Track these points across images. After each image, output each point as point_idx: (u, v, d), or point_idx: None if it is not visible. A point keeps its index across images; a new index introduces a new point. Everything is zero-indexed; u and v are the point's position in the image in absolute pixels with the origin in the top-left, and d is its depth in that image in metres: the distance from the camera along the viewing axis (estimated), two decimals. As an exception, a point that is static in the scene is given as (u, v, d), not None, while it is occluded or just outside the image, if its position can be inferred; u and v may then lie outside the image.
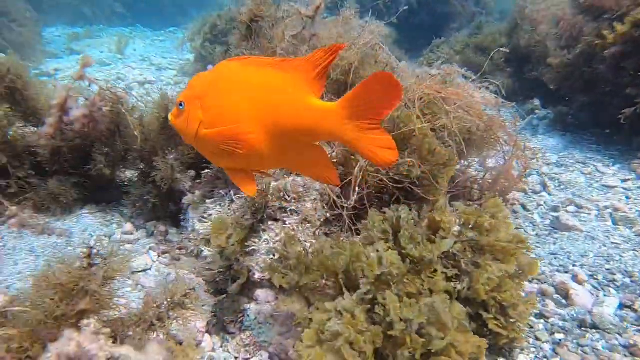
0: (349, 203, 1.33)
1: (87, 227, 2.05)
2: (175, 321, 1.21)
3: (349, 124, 0.92)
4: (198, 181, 2.04)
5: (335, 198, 1.46)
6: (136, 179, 2.16)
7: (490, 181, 1.86)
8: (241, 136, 0.96)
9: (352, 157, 1.45)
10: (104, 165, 2.07)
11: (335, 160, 1.55)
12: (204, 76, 1.03)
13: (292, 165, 1.12)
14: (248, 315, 1.47)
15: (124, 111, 1.97)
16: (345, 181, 1.43)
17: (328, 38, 1.84)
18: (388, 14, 6.33)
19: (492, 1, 5.62)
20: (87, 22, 8.46)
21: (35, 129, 2.17)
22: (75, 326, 1.00)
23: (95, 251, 1.05)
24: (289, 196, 1.57)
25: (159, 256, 1.91)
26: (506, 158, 1.82)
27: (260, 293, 1.50)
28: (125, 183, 2.27)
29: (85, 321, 0.93)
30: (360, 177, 1.38)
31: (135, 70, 5.07)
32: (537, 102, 3.49)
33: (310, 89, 0.94)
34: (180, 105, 1.01)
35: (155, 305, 1.19)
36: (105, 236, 2.01)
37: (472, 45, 3.92)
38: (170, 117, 1.05)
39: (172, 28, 8.79)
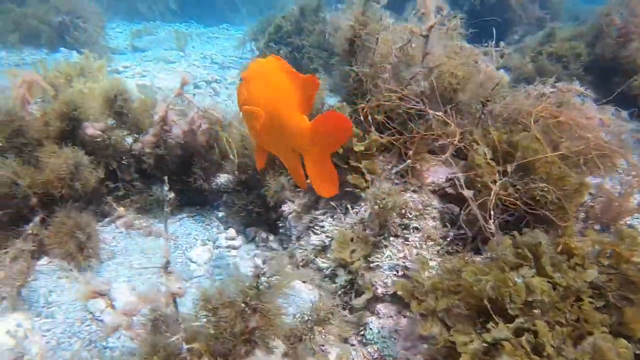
0: (490, 227, 1.33)
1: (190, 230, 2.13)
2: (320, 335, 1.24)
3: (312, 147, 1.26)
4: (298, 189, 2.08)
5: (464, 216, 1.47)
6: (236, 188, 2.21)
7: (599, 206, 1.82)
8: (254, 115, 1.28)
9: (486, 179, 1.45)
10: (203, 180, 2.14)
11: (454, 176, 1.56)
12: (255, 64, 1.35)
13: (279, 156, 1.45)
14: (370, 329, 1.50)
15: (220, 132, 2.03)
16: (478, 202, 1.43)
17: (442, 55, 1.82)
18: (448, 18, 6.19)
19: (559, 2, 5.44)
20: (142, 18, 8.67)
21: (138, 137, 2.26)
22: (248, 343, 1.05)
23: (262, 270, 1.09)
24: (410, 213, 1.59)
25: (264, 263, 1.96)
26: (622, 182, 1.78)
27: (382, 307, 1.52)
28: (221, 189, 2.33)
29: (274, 342, 0.97)
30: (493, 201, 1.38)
31: (200, 69, 5.18)
32: (624, 114, 3.37)
33: (302, 104, 1.24)
34: (240, 80, 1.35)
35: (303, 320, 1.23)
36: (209, 240, 2.07)
37: (546, 53, 3.83)
38: (237, 86, 1.37)
39: (224, 24, 8.91)
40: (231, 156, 2.02)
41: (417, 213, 1.58)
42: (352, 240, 1.61)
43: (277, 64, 1.28)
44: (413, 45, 1.90)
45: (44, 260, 1.88)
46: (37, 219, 1.91)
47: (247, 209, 2.09)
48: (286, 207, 2.04)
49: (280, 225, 2.10)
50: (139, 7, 8.70)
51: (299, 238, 1.94)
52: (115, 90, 2.11)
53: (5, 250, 1.81)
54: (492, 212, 1.35)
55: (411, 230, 1.57)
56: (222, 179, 2.31)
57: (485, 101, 1.84)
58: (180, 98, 2.17)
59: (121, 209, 2.17)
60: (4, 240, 1.88)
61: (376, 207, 1.52)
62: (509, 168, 1.40)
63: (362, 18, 1.95)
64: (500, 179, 1.42)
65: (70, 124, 2.07)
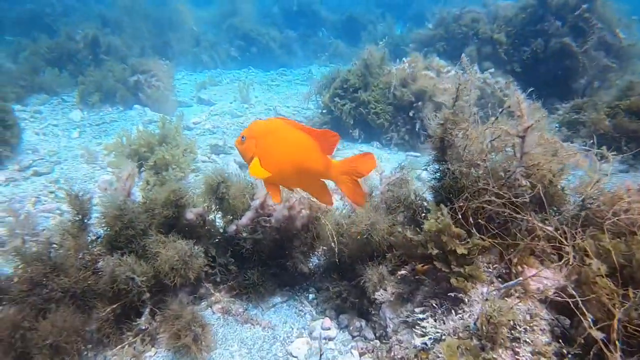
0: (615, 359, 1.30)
1: (286, 318, 2.19)
2: None
3: (342, 175, 1.59)
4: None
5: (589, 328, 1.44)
6: (328, 271, 2.26)
7: None
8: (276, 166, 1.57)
9: (604, 300, 1.42)
10: (302, 262, 2.21)
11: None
12: (260, 124, 1.62)
13: (304, 189, 1.78)
14: None
15: (323, 221, 2.10)
16: (597, 326, 1.40)
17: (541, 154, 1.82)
18: (509, 62, 6.16)
19: (627, 51, 5.24)
20: (204, 67, 9.13)
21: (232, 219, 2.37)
22: None
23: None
24: (519, 325, 1.57)
25: (360, 355, 1.98)
26: None
27: None
28: (312, 271, 2.39)
29: None
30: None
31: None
32: None
33: (324, 149, 1.56)
34: (243, 138, 1.58)
35: None
36: (304, 329, 2.13)
37: (624, 107, 3.71)
38: (235, 143, 1.62)
39: (281, 68, 9.23)
40: (332, 243, 2.07)
41: (526, 326, 1.56)
42: (457, 347, 1.61)
43: (283, 122, 1.59)
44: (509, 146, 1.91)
45: (151, 352, 2.00)
46: (146, 311, 2.04)
47: (341, 297, 2.14)
48: (379, 295, 2.07)
49: (373, 312, 2.13)
50: (202, 58, 9.17)
51: (395, 332, 1.95)
52: (219, 178, 2.23)
53: (121, 346, 1.95)
54: (617, 343, 1.32)
55: (521, 344, 1.55)
56: (314, 261, 2.38)
57: (586, 199, 1.81)
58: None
59: (218, 294, 2.28)
60: (117, 333, 2.02)
61: (487, 322, 1.51)
62: (631, 292, 1.37)
63: (452, 117, 1.98)
64: (621, 301, 1.39)
65: (176, 211, 2.20)
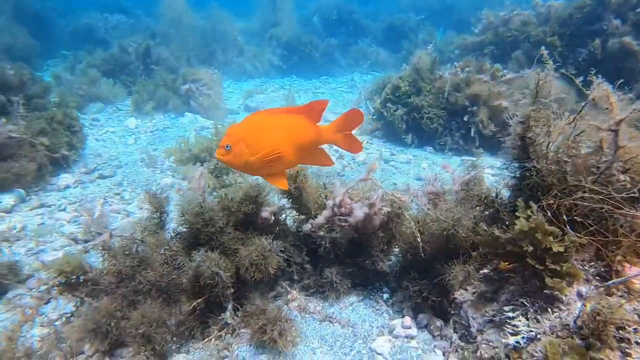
0: None
1: (364, 317, 2.18)
2: None
3: (336, 134, 1.81)
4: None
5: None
6: (405, 270, 2.24)
7: None
8: (275, 152, 1.66)
9: None
10: (381, 261, 2.20)
11: None
12: (241, 125, 1.69)
13: (307, 162, 1.92)
14: None
15: (407, 217, 2.08)
16: None
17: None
18: (563, 64, 6.00)
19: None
20: (248, 76, 9.31)
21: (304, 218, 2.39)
22: None
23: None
24: (628, 325, 1.51)
25: (443, 354, 1.95)
26: None
27: None
28: (387, 270, 2.38)
29: None
30: None
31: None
32: None
33: (312, 120, 1.73)
34: (227, 147, 1.63)
35: None
36: (384, 327, 2.11)
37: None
38: (218, 156, 1.68)
39: (323, 77, 9.30)
40: (414, 240, 2.05)
41: (636, 326, 1.50)
42: (559, 346, 1.56)
43: (261, 114, 1.72)
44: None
45: (235, 346, 2.02)
46: (230, 305, 2.07)
47: (422, 295, 2.11)
48: (459, 295, 2.03)
49: (452, 312, 2.10)
50: (245, 67, 9.35)
51: (480, 331, 1.91)
52: (296, 173, 2.25)
53: (207, 339, 1.98)
54: None
55: (632, 344, 1.49)
56: (391, 260, 2.37)
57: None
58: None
59: (294, 292, 2.29)
60: (200, 327, 2.06)
61: (593, 319, 1.46)
62: None
63: (533, 114, 1.94)
64: None
65: (254, 207, 2.23)
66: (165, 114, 6.52)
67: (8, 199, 3.57)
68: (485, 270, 2.05)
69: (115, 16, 12.17)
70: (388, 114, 4.91)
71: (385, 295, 2.33)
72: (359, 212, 2.17)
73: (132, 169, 4.54)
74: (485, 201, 2.15)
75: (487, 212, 2.14)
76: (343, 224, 2.26)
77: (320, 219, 2.31)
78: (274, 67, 9.63)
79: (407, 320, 2.11)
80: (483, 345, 1.88)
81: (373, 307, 2.26)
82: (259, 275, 2.05)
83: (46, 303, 2.00)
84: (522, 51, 6.03)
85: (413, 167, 4.39)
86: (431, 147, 4.72)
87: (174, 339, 2.03)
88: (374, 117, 5.17)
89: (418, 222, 2.12)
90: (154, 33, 9.52)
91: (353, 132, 1.93)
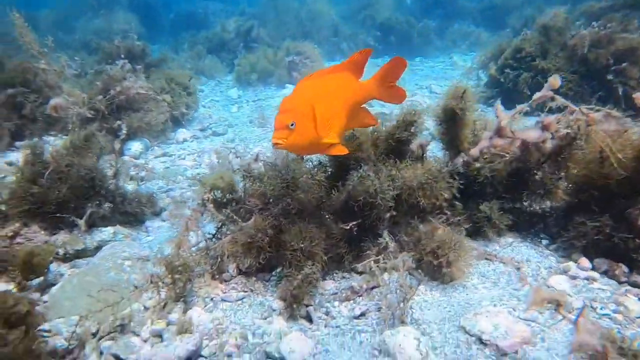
0: None
1: (528, 257, 1.95)
2: None
3: (380, 87, 1.67)
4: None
5: None
6: (572, 213, 1.98)
7: None
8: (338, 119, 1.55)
9: None
10: (549, 195, 1.97)
11: None
12: (296, 98, 1.48)
13: (353, 125, 1.75)
14: None
15: (598, 133, 1.80)
16: None
17: None
18: None
19: None
20: (343, 56, 9.23)
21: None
22: None
23: None
24: None
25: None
26: None
27: None
28: (545, 212, 2.13)
29: None
30: None
31: (425, 98, 5.18)
32: None
33: (356, 77, 1.61)
34: (292, 125, 1.39)
35: None
36: (551, 268, 1.87)
37: None
38: (277, 140, 1.40)
39: (418, 58, 8.99)
40: (615, 156, 1.74)
41: None
42: None
43: (309, 82, 1.53)
44: None
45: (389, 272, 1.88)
46: (386, 231, 1.93)
47: (597, 237, 1.84)
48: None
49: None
50: (341, 46, 9.29)
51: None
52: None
53: (366, 262, 1.85)
54: None
55: None
56: (548, 200, 2.11)
57: None
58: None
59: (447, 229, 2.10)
60: (356, 250, 1.94)
61: None
62: None
63: None
64: None
65: (407, 135, 2.08)
66: (266, 86, 6.60)
67: (138, 147, 3.73)
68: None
69: (214, 4, 12.69)
70: (506, 80, 4.57)
71: (545, 242, 2.08)
72: (528, 137, 1.94)
73: (242, 128, 4.59)
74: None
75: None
76: (503, 153, 2.04)
77: (475, 150, 2.11)
78: (369, 47, 9.48)
79: (584, 261, 1.85)
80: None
81: (535, 249, 2.02)
82: (426, 201, 1.89)
83: (201, 215, 1.98)
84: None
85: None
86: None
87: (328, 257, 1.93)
88: (485, 85, 4.85)
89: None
90: (251, 16, 9.74)
91: None
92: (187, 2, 12.79)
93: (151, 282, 1.74)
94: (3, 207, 2.26)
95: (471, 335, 1.50)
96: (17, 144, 3.74)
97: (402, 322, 1.56)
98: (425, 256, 1.80)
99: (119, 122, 3.68)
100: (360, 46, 9.36)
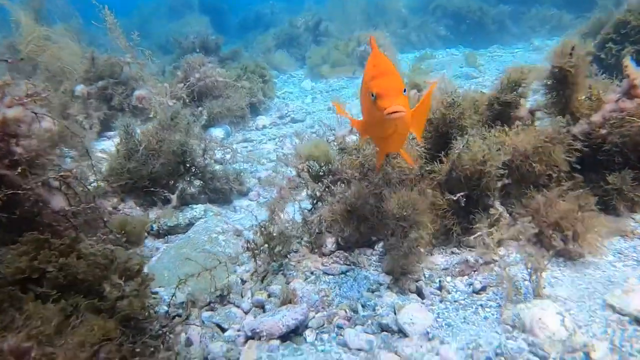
0: None
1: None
2: None
3: None
4: None
5: None
6: None
7: None
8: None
9: None
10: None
11: None
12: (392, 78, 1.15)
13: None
14: None
15: None
16: None
17: None
18: None
19: None
20: (413, 47, 8.96)
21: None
22: None
23: None
24: None
25: None
26: None
27: None
28: None
29: None
30: None
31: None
32: None
33: None
34: (404, 92, 1.10)
35: None
36: None
37: None
38: (401, 109, 1.06)
39: (494, 45, 8.53)
40: None
41: None
42: None
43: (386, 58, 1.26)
44: None
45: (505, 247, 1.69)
46: (498, 202, 1.74)
47: None
48: None
49: None
50: (410, 38, 9.03)
51: None
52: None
53: (477, 235, 1.67)
54: None
55: None
56: None
57: None
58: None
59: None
60: (460, 227, 1.76)
61: None
62: None
63: None
64: None
65: (515, 97, 1.89)
66: (338, 76, 6.51)
67: (219, 133, 3.75)
68: None
69: (280, 3, 12.84)
70: (608, 56, 4.14)
71: None
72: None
73: (320, 115, 4.52)
74: None
75: None
76: (636, 118, 1.78)
77: (598, 116, 1.86)
78: (439, 37, 9.14)
79: None
80: None
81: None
82: (542, 168, 1.68)
83: (296, 187, 1.89)
84: None
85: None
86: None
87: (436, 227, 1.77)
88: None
89: None
90: (318, 12, 9.72)
91: None
92: (253, 2, 13.04)
93: (247, 248, 1.66)
94: (102, 184, 2.30)
95: (623, 315, 1.28)
96: (108, 134, 3.89)
97: (538, 296, 1.36)
98: (546, 229, 1.58)
99: (200, 108, 3.71)
100: (429, 36, 9.07)
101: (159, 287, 1.71)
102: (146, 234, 2.13)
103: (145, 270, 1.84)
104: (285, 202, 1.80)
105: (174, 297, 1.41)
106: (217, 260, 1.53)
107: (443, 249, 1.78)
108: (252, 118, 4.35)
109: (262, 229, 1.67)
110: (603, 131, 1.84)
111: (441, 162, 1.81)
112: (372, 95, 1.10)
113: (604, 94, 1.92)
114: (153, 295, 1.37)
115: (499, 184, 1.71)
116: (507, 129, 1.82)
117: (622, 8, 4.36)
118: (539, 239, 1.66)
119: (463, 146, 1.72)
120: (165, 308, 1.48)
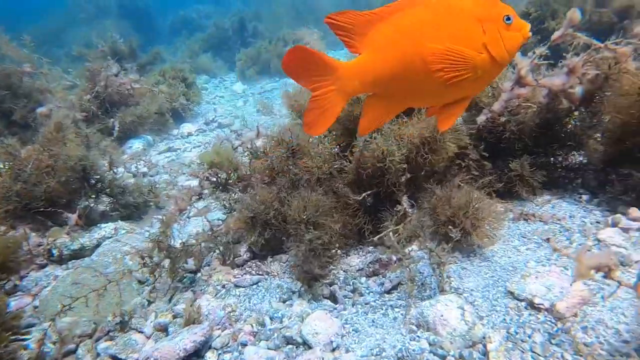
0: None
1: (571, 213, 1.73)
2: None
3: None
4: None
5: None
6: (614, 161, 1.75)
7: None
8: None
9: None
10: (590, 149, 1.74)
11: None
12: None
13: None
14: None
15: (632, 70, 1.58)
16: None
17: None
18: None
19: None
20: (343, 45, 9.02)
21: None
22: None
23: None
24: None
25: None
26: None
27: None
28: (580, 166, 1.91)
29: None
30: None
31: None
32: None
33: None
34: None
35: None
36: (598, 223, 1.65)
37: None
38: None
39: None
40: None
41: None
42: None
43: None
44: None
45: (415, 243, 1.68)
46: (405, 197, 1.72)
47: None
48: None
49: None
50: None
51: None
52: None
53: (383, 234, 1.64)
54: None
55: None
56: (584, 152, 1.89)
57: None
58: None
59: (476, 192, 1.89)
60: (372, 221, 1.73)
61: None
62: None
63: None
64: None
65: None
66: (270, 77, 6.43)
67: (138, 144, 3.56)
68: None
69: (206, 6, 12.53)
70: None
71: (585, 197, 1.85)
72: (553, 84, 1.72)
73: (249, 118, 4.42)
74: None
75: None
76: (528, 103, 1.83)
77: (498, 104, 1.90)
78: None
79: (634, 211, 1.62)
80: None
81: (576, 205, 1.80)
82: (434, 157, 1.68)
83: (198, 198, 1.79)
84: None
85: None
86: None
87: (342, 239, 1.73)
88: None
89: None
90: (244, 13, 9.58)
91: None
92: (179, 6, 12.67)
93: (144, 265, 1.56)
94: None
95: (521, 300, 1.29)
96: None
97: (442, 291, 1.35)
98: (441, 227, 1.58)
99: (112, 119, 3.50)
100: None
101: (51, 320, 1.56)
102: (45, 260, 1.96)
103: (32, 304, 1.69)
104: (183, 214, 1.70)
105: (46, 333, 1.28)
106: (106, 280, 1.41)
107: (360, 249, 1.75)
108: (176, 126, 4.18)
109: (160, 243, 1.56)
110: (503, 119, 1.88)
111: (350, 161, 1.78)
112: (507, 17, 0.87)
113: (502, 82, 1.97)
114: (22, 337, 1.23)
115: (403, 179, 1.69)
116: (408, 120, 1.81)
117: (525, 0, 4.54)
118: (439, 233, 1.66)
119: (362, 143, 1.69)
120: (51, 346, 1.35)
